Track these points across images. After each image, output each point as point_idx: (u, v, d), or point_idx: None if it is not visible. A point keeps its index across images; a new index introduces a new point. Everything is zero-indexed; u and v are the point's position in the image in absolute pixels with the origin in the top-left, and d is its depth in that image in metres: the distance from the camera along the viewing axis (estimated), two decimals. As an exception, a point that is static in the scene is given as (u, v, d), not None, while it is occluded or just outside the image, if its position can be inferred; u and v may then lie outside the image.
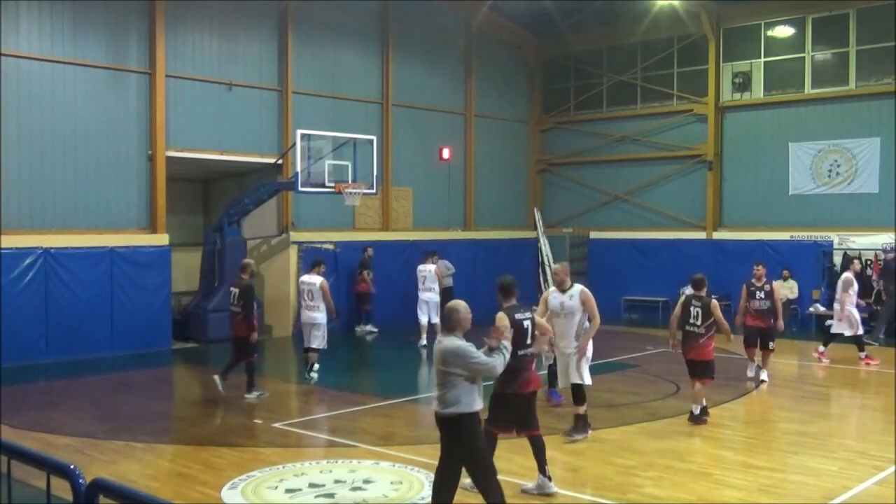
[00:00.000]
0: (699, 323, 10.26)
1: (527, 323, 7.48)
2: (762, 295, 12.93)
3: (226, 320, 17.46)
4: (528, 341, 7.45)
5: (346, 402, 12.05)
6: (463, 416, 6.17)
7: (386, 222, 21.25)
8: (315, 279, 13.02)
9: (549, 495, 7.48)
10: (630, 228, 23.41)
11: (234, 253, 17.96)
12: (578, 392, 9.61)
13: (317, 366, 13.05)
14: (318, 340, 12.94)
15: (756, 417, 11.35)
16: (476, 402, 6.25)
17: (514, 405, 7.45)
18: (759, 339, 12.98)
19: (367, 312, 19.67)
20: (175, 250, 17.50)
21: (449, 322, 6.31)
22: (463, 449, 6.24)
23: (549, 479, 7.57)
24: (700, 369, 10.29)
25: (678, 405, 11.38)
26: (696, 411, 10.28)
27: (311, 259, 14.51)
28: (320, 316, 12.93)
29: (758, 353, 13.09)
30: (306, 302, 13.03)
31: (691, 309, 10.36)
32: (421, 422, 10.88)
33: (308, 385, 12.92)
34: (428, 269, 17.51)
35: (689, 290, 10.72)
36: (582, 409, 9.59)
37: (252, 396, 11.95)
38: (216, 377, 12.14)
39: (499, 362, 6.24)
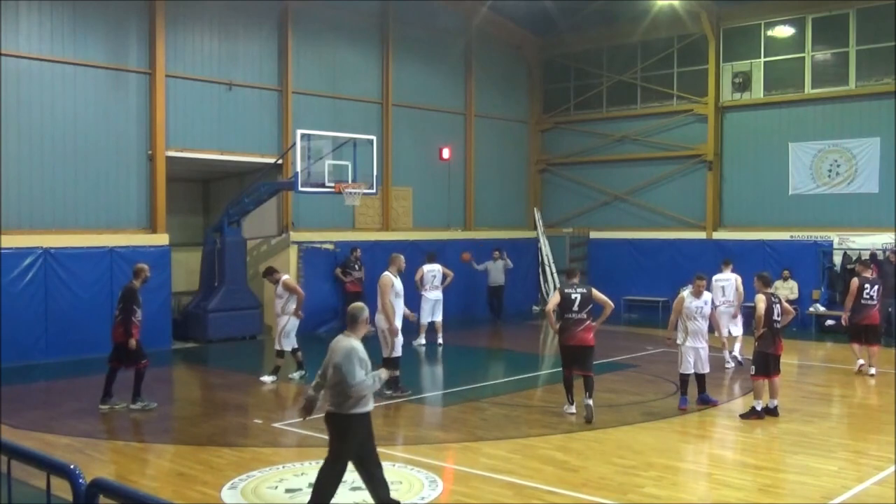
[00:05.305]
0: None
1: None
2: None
3: (227, 320, 17.65)
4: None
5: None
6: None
7: (386, 222, 21.25)
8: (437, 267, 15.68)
9: None
10: (630, 228, 23.40)
11: (234, 253, 17.98)
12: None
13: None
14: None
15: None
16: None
17: None
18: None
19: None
20: (175, 250, 17.50)
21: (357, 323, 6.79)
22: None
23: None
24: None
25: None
26: (773, 405, 10.72)
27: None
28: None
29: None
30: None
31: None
32: (421, 422, 10.89)
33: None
34: (436, 269, 17.43)
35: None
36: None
37: (137, 406, 11.12)
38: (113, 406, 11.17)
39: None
